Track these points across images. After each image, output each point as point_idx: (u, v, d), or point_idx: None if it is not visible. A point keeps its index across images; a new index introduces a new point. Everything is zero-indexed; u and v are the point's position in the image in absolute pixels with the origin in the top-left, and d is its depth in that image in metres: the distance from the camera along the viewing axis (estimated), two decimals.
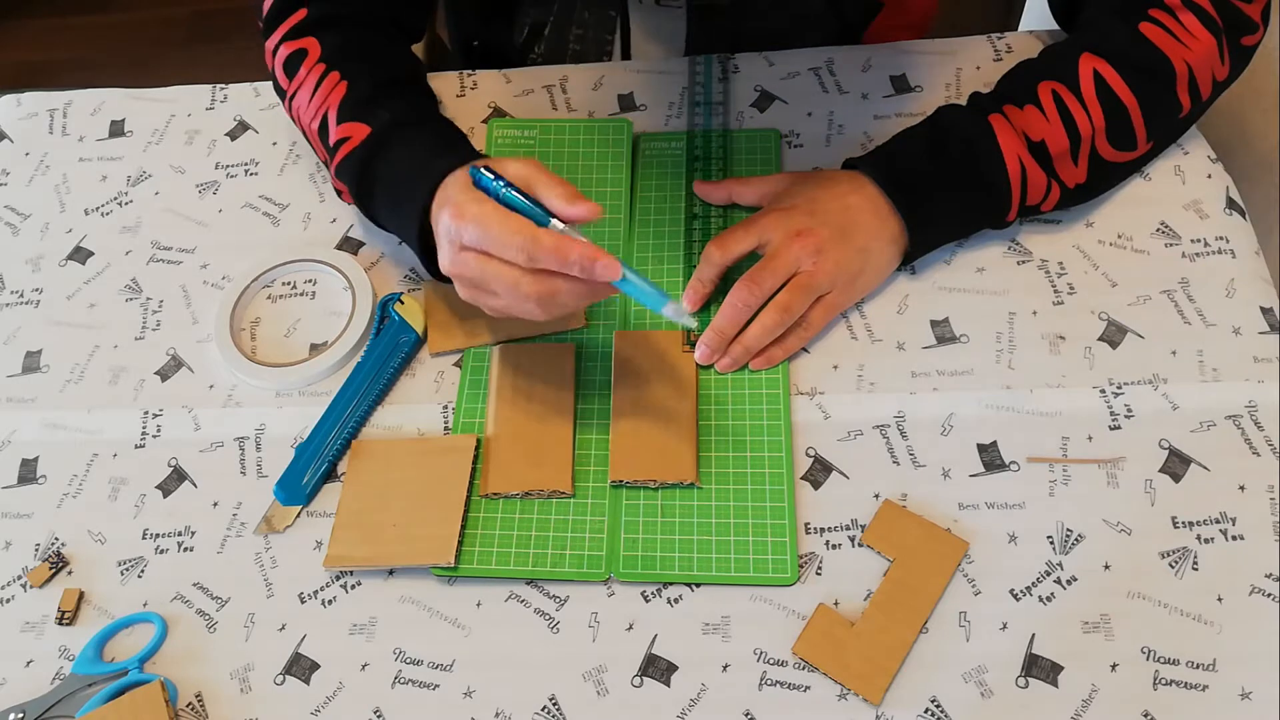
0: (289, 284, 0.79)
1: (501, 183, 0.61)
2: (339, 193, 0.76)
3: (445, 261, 0.63)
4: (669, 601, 0.63)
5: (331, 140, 0.73)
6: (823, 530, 0.64)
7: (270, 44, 0.78)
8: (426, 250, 0.69)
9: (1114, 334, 0.70)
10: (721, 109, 0.82)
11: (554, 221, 0.60)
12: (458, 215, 0.60)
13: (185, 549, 0.68)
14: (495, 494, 0.67)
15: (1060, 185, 0.71)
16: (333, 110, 0.73)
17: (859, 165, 0.72)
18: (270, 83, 0.89)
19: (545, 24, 0.91)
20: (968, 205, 0.71)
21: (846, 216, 0.70)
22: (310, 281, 0.79)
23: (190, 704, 0.62)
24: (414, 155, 0.69)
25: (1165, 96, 0.71)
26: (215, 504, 0.69)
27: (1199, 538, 0.62)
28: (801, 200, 0.71)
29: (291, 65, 0.76)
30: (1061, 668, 0.59)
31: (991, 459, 0.66)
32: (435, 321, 0.74)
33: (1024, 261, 0.73)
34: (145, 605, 0.66)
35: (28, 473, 0.72)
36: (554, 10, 0.90)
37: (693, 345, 0.71)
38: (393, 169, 0.70)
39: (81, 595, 0.66)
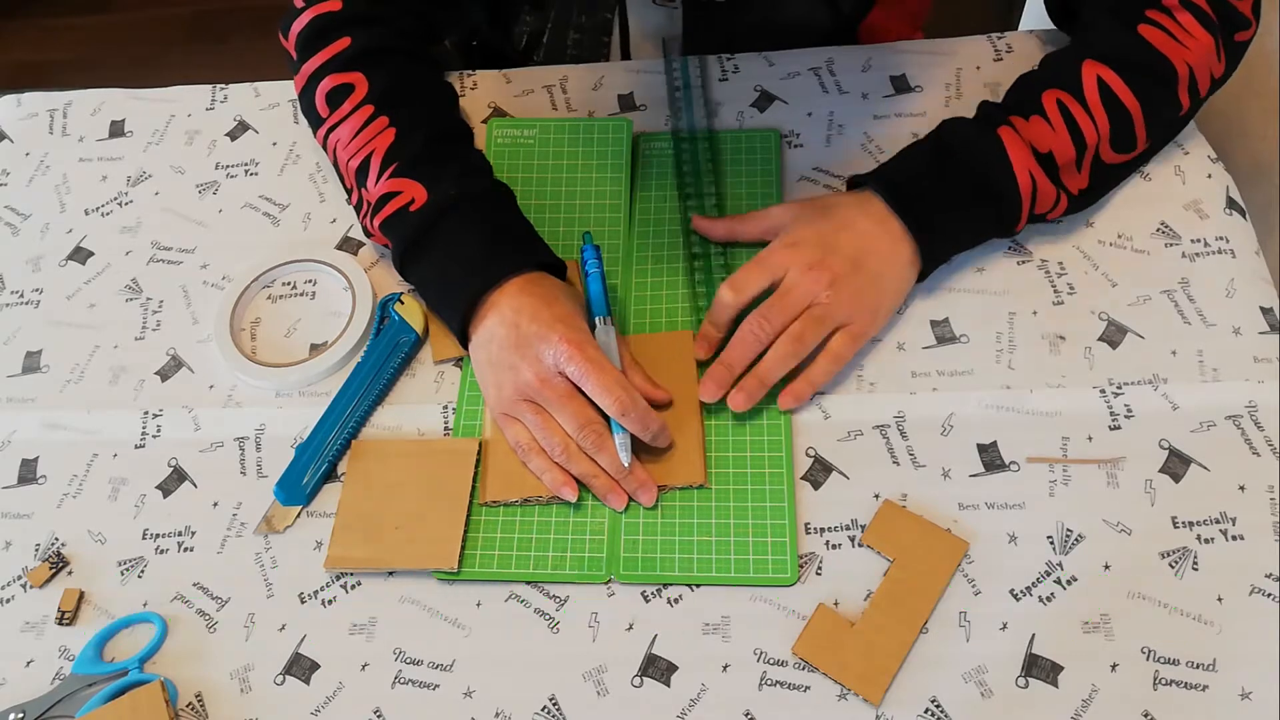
0: (289, 284, 0.79)
1: (598, 271, 0.71)
2: (367, 232, 0.75)
3: (534, 375, 0.66)
4: (669, 601, 0.63)
5: (375, 188, 0.72)
6: (823, 530, 0.64)
7: (309, 69, 0.76)
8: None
9: (1114, 334, 0.70)
10: (704, 108, 0.82)
11: (598, 320, 0.69)
12: (574, 349, 0.65)
13: (185, 549, 0.68)
14: (494, 502, 0.67)
15: (1067, 194, 0.70)
16: (378, 155, 0.72)
17: (866, 184, 0.71)
18: (271, 84, 0.90)
19: (543, 31, 0.91)
20: (978, 219, 0.71)
21: (859, 245, 0.68)
22: (310, 281, 0.79)
23: (190, 704, 0.62)
24: (473, 247, 0.69)
25: (1167, 98, 0.71)
26: (215, 504, 0.69)
27: (1199, 538, 0.62)
28: (810, 233, 0.69)
29: (335, 98, 0.75)
30: (1061, 668, 0.59)
31: (991, 459, 0.66)
32: (438, 328, 0.74)
33: (1024, 261, 0.73)
34: (145, 605, 0.66)
35: (28, 473, 0.72)
36: (551, 17, 0.90)
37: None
38: (450, 254, 0.70)
39: (81, 595, 0.67)
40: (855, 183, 0.73)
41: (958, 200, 0.70)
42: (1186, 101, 0.71)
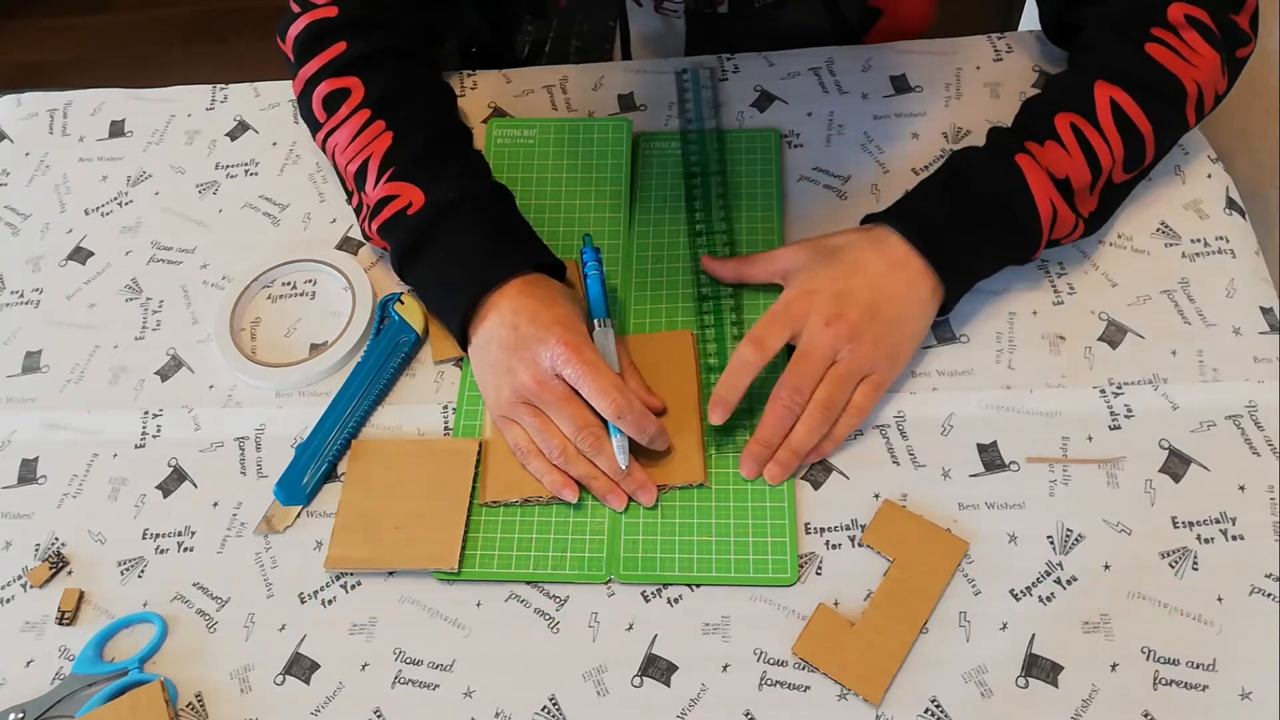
0: (289, 284, 0.79)
1: (598, 273, 0.71)
2: (366, 236, 0.75)
3: (531, 377, 0.66)
4: (669, 601, 0.63)
5: (374, 192, 0.72)
6: (823, 530, 0.64)
7: (306, 74, 0.76)
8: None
9: (1114, 334, 0.70)
10: (715, 115, 0.81)
11: (596, 322, 0.69)
12: (570, 351, 0.65)
13: (185, 549, 0.68)
14: (494, 502, 0.67)
15: (1082, 219, 0.69)
16: (375, 159, 0.72)
17: (883, 222, 0.69)
18: (271, 84, 0.90)
19: (545, 40, 0.91)
20: (998, 250, 0.69)
21: (874, 290, 0.66)
22: (310, 281, 0.79)
23: (190, 704, 0.62)
24: (473, 248, 0.69)
25: (1176, 118, 0.70)
26: (215, 504, 0.69)
27: (1199, 538, 0.62)
28: (824, 279, 0.67)
29: (332, 103, 0.75)
30: (1061, 668, 0.59)
31: (991, 459, 0.66)
32: (438, 328, 0.74)
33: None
34: (145, 605, 0.66)
35: (28, 473, 0.72)
36: (554, 26, 0.90)
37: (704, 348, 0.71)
38: (449, 255, 0.69)
39: (81, 595, 0.67)
40: (868, 220, 0.71)
41: (976, 230, 0.68)
42: (1193, 120, 0.71)
